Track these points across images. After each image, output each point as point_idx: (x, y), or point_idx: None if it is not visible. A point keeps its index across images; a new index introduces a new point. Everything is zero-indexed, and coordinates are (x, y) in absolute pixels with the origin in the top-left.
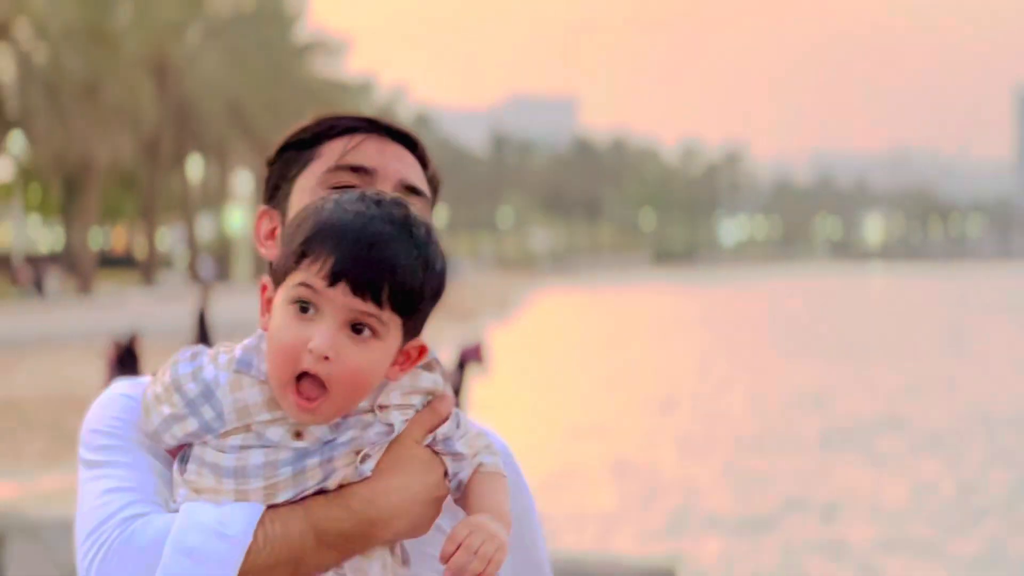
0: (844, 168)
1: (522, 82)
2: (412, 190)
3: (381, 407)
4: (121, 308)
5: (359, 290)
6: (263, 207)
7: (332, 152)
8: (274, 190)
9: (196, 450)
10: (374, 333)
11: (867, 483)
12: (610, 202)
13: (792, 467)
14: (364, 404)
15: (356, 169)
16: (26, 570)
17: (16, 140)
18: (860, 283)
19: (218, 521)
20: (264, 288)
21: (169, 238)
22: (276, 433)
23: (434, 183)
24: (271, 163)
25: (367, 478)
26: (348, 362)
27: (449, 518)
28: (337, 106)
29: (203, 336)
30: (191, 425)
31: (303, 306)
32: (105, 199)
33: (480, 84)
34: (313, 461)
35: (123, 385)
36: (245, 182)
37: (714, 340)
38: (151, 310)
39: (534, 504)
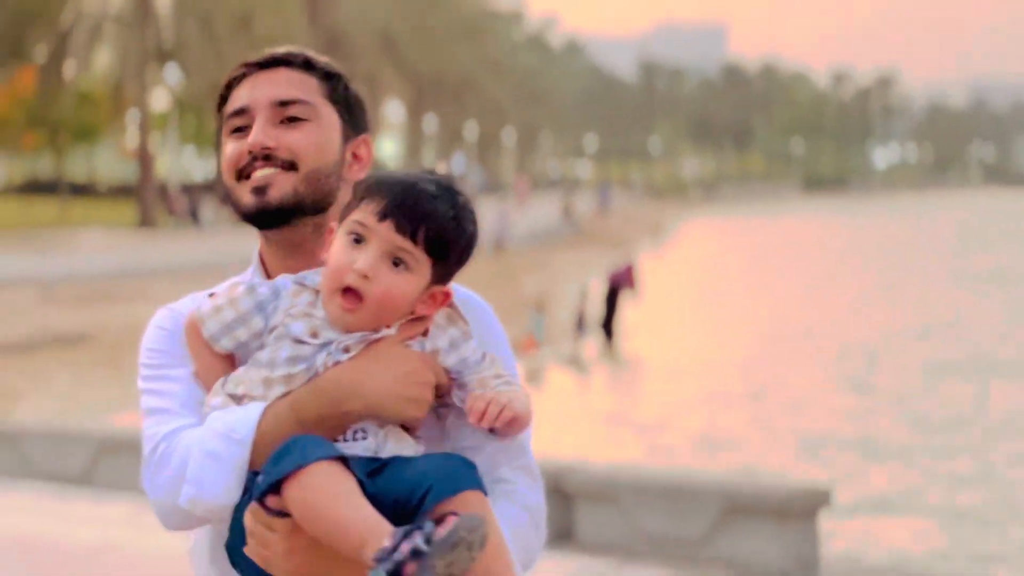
0: (1000, 92)
1: (671, 9)
2: (285, 103)
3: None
4: None
5: (401, 228)
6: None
7: (228, 106)
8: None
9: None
10: (408, 267)
11: (1019, 410)
12: (760, 129)
13: (949, 395)
14: None
15: (237, 113)
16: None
17: (171, 71)
18: (1015, 210)
19: (229, 428)
20: (331, 231)
21: None
22: (299, 327)
23: (330, 73)
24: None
25: (338, 363)
26: (382, 283)
27: None
28: (487, 36)
29: None
30: (256, 324)
31: (356, 237)
32: None
33: (630, 12)
34: (321, 357)
35: (163, 311)
36: (396, 111)
37: (864, 269)
38: None
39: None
